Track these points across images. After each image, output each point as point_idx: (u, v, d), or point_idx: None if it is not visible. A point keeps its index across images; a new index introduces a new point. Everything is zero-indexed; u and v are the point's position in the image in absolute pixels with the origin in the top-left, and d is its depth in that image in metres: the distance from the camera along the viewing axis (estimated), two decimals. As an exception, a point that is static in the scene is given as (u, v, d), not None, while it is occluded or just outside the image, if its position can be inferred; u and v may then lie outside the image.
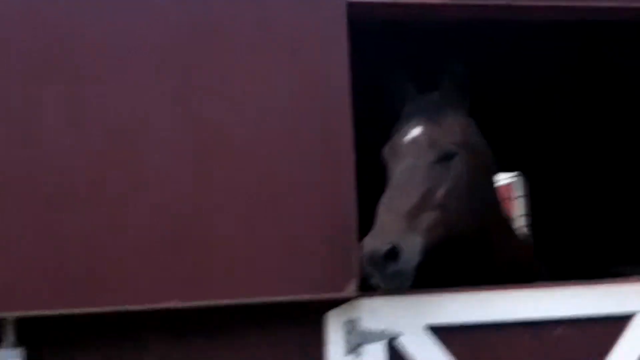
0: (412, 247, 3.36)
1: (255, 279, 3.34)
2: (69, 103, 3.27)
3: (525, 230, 7.94)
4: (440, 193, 3.60)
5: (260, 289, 3.35)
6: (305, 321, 3.47)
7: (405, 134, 3.78)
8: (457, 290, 3.63)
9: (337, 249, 3.40)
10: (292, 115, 3.42)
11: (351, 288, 3.39)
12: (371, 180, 3.69)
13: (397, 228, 3.35)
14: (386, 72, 4.08)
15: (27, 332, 3.24)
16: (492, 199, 4.01)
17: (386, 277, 3.31)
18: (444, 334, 3.55)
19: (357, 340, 3.48)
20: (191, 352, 3.40)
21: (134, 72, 3.32)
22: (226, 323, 3.43)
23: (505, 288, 3.71)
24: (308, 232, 3.39)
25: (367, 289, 3.47)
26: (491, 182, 4.05)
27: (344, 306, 3.48)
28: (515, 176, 8.79)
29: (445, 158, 3.67)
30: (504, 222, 4.15)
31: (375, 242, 3.27)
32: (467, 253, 3.89)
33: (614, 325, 3.71)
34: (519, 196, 8.58)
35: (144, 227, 3.28)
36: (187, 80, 3.35)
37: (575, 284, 3.81)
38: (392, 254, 3.25)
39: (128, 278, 3.26)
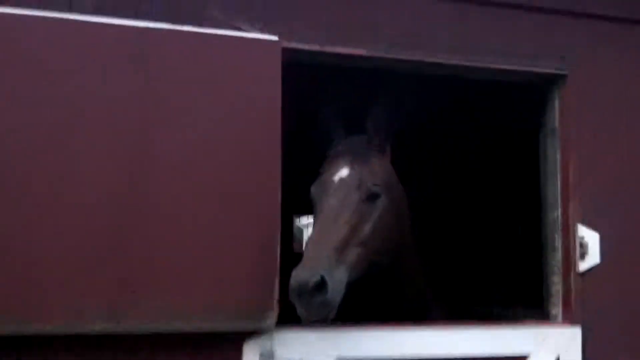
0: (338, 280, 3.53)
1: (178, 305, 3.41)
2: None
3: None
4: (365, 231, 3.81)
5: (182, 315, 3.41)
6: (225, 349, 3.57)
7: (335, 173, 3.98)
8: (366, 326, 3.82)
9: (259, 281, 3.52)
10: (224, 146, 3.54)
11: (271, 319, 3.53)
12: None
13: (325, 261, 3.52)
14: (317, 111, 4.32)
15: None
16: (407, 239, 4.25)
17: (312, 308, 3.44)
18: (353, 366, 3.74)
19: (272, 371, 3.63)
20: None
21: (74, 82, 3.40)
22: (144, 348, 3.47)
23: (411, 326, 3.93)
24: (231, 264, 3.48)
25: (288, 320, 3.63)
26: (407, 222, 4.27)
27: (261, 337, 3.61)
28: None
29: (371, 198, 3.90)
30: (415, 260, 4.38)
31: (304, 273, 3.42)
32: (381, 288, 4.09)
33: (510, 364, 4.00)
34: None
35: (65, 241, 3.28)
36: (129, 104, 3.45)
37: (476, 324, 4.08)
38: (320, 285, 3.40)
39: (48, 292, 3.24)
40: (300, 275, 3.42)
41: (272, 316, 3.54)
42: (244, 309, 3.51)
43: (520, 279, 6.01)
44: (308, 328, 3.71)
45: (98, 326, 3.31)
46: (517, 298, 5.64)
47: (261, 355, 3.62)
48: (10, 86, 3.30)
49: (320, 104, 4.34)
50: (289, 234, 8.12)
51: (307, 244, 3.71)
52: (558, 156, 4.33)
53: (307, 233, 8.59)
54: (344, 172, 3.95)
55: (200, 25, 3.66)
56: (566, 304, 4.21)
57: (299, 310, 3.47)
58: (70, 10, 3.53)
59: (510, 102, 5.73)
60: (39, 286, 3.24)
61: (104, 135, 3.40)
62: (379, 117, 4.11)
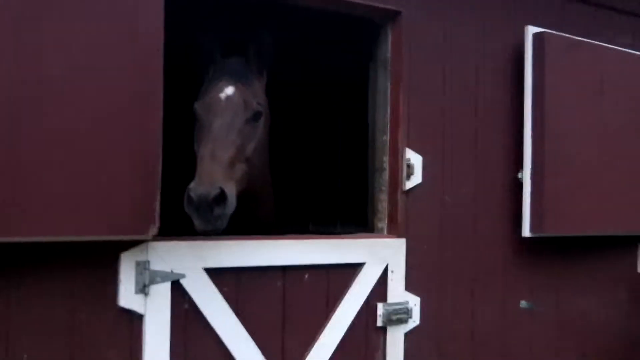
0: (232, 194, 3.74)
1: (64, 217, 3.43)
2: None
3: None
4: (249, 148, 4.02)
5: (63, 227, 3.43)
6: (105, 259, 3.68)
7: (220, 92, 4.11)
8: (230, 239, 4.07)
9: (140, 195, 3.60)
10: (107, 65, 3.53)
11: (152, 232, 3.65)
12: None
13: (220, 176, 3.69)
14: (196, 33, 4.38)
15: None
16: (267, 158, 4.50)
17: (211, 220, 3.62)
18: (217, 275, 3.98)
19: (146, 280, 3.77)
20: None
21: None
22: (26, 260, 3.48)
23: (266, 239, 4.24)
24: (114, 178, 3.53)
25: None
26: (268, 144, 4.51)
27: (136, 248, 3.74)
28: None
29: (254, 118, 4.10)
30: (269, 180, 4.65)
31: (203, 187, 3.58)
32: (248, 205, 4.34)
33: (349, 272, 4.46)
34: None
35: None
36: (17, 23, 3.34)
37: (319, 237, 4.50)
38: (220, 198, 3.59)
39: None
40: (200, 189, 3.57)
41: (154, 229, 3.65)
42: (124, 221, 3.59)
43: (347, 199, 6.49)
44: (179, 240, 3.89)
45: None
46: (344, 215, 6.12)
47: (137, 264, 3.74)
48: None
49: (198, 31, 4.40)
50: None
51: (199, 159, 3.83)
52: (388, 86, 4.79)
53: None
54: (228, 91, 4.10)
55: None
56: (392, 219, 4.73)
57: (197, 222, 3.62)
58: None
59: (344, 36, 6.07)
60: None
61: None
62: (260, 41, 4.27)
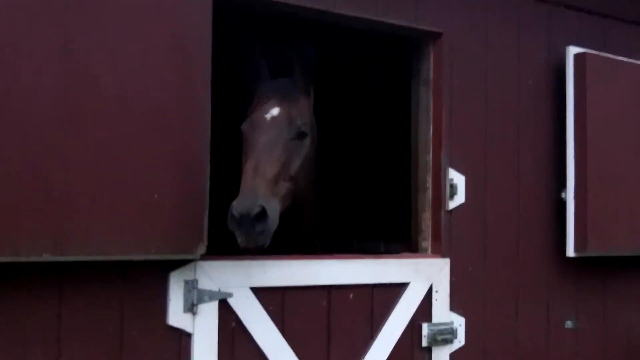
0: (275, 210, 3.76)
1: (114, 236, 3.46)
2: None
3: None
4: (294, 167, 4.05)
5: (117, 245, 3.47)
6: (154, 277, 3.71)
7: (266, 112, 4.16)
8: (276, 258, 4.09)
9: (188, 213, 3.65)
10: (158, 80, 3.60)
11: (200, 251, 3.69)
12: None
13: (263, 193, 3.72)
14: (244, 52, 4.44)
15: None
16: (313, 176, 4.52)
17: (253, 237, 3.64)
18: (263, 294, 4.00)
19: (194, 299, 3.80)
20: (38, 304, 3.45)
21: (19, 25, 3.31)
22: (78, 277, 3.52)
23: (312, 258, 4.27)
24: (163, 196, 3.58)
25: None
26: (315, 162, 4.52)
27: (184, 267, 3.77)
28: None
29: (299, 136, 4.13)
30: (314, 197, 4.67)
31: (245, 204, 3.60)
32: (291, 222, 4.32)
33: (393, 291, 4.46)
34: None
35: (9, 176, 3.25)
36: (67, 34, 3.40)
37: (364, 257, 4.49)
38: (261, 215, 3.61)
39: None
40: (242, 205, 3.59)
41: (202, 248, 3.69)
42: (173, 240, 3.63)
43: (390, 217, 6.49)
44: (226, 258, 3.92)
45: (45, 255, 3.31)
46: (388, 233, 6.12)
47: (185, 283, 3.77)
48: None
49: (248, 46, 4.46)
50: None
51: (243, 176, 3.87)
52: (430, 104, 4.81)
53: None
54: (275, 110, 4.14)
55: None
56: (436, 238, 4.73)
57: (239, 238, 3.64)
58: None
59: (385, 53, 6.10)
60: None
61: (45, 63, 3.35)
62: (306, 60, 4.31)
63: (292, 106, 4.20)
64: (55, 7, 3.38)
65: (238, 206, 3.59)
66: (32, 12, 3.33)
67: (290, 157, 4.05)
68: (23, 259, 3.29)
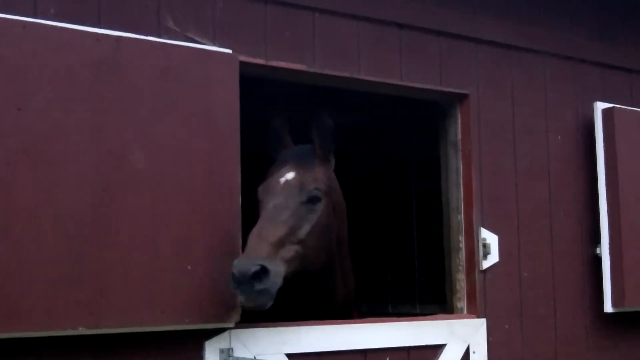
0: (276, 271, 3.72)
1: (149, 307, 3.52)
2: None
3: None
4: (303, 231, 4.06)
5: (152, 317, 3.53)
6: (189, 347, 3.74)
7: (280, 176, 4.22)
8: (310, 323, 4.11)
9: (221, 282, 3.70)
10: (187, 152, 3.69)
11: (234, 319, 3.73)
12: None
13: (264, 253, 3.72)
14: (268, 121, 4.54)
15: None
16: (342, 241, 4.55)
17: (252, 296, 3.60)
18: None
19: (230, 367, 3.83)
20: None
21: (58, 99, 3.43)
22: (112, 349, 3.56)
23: (346, 322, 4.28)
24: (195, 267, 3.65)
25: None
26: (344, 226, 4.56)
27: (220, 336, 3.80)
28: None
29: (311, 201, 4.17)
30: (347, 261, 4.69)
31: (245, 263, 3.60)
32: (313, 286, 4.36)
33: (430, 353, 4.44)
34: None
35: (44, 250, 3.32)
36: (101, 110, 3.52)
37: (400, 320, 4.50)
38: (259, 274, 3.59)
39: (30, 301, 3.27)
40: (241, 264, 3.60)
41: (236, 316, 3.73)
42: (207, 309, 3.67)
43: (421, 278, 6.49)
44: (261, 326, 3.94)
45: (81, 328, 3.37)
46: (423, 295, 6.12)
47: (221, 352, 3.80)
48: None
49: (271, 115, 4.55)
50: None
51: (248, 238, 3.86)
52: (460, 166, 4.84)
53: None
54: (288, 175, 4.20)
55: (158, 35, 3.80)
56: (471, 298, 4.72)
57: (240, 297, 3.62)
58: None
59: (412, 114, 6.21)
60: (26, 295, 3.27)
61: (81, 143, 3.45)
62: (325, 128, 4.39)
63: (307, 172, 4.24)
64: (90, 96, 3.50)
65: (238, 265, 3.60)
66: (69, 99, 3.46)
67: (299, 221, 4.06)
68: (60, 333, 3.35)
